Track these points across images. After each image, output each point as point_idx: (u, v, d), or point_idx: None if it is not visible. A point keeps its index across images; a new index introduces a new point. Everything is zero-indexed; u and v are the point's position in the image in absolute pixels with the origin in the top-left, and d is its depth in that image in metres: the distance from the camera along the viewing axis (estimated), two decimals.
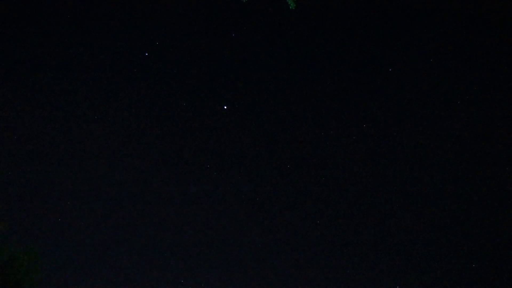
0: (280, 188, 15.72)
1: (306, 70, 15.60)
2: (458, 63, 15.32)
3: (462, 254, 15.41)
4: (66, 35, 14.58)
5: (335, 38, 15.43)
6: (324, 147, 15.63)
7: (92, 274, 14.56)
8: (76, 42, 14.66)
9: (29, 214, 14.19)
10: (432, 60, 15.28)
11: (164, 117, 15.35)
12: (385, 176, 15.67)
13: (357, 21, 15.27)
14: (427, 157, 15.61)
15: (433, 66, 15.37)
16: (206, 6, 14.94)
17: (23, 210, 14.12)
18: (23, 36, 14.32)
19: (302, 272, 15.49)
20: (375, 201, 15.68)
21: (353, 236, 15.72)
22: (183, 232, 15.38)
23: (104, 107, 14.97)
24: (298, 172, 15.69)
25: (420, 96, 15.55)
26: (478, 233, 15.41)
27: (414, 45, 15.36)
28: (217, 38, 15.23)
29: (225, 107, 15.06)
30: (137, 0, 14.80)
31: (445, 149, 15.53)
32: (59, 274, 13.88)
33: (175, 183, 15.42)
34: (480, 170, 15.39)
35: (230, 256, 15.45)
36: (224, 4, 14.85)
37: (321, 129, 15.58)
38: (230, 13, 15.02)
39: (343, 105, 15.68)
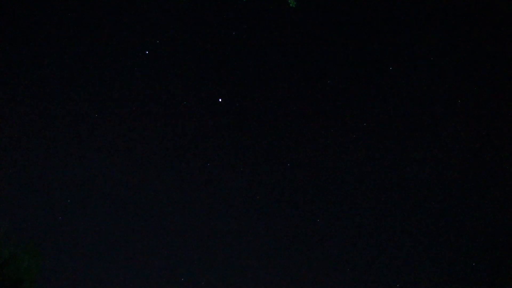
0: (280, 186, 15.71)
1: (306, 67, 15.59)
2: (459, 61, 15.31)
3: (463, 253, 15.40)
4: (66, 34, 14.58)
5: (335, 36, 15.42)
6: (324, 145, 15.62)
7: (92, 272, 14.56)
8: (76, 41, 14.67)
9: (29, 212, 14.20)
10: (432, 58, 15.28)
11: (164, 115, 15.35)
12: (387, 174, 15.66)
13: (357, 19, 15.25)
14: (428, 156, 15.60)
15: (434, 64, 15.36)
16: (206, 3, 14.93)
17: (23, 208, 14.13)
18: (24, 34, 14.32)
19: (302, 270, 15.48)
20: (377, 199, 15.68)
21: (354, 235, 15.71)
22: (183, 230, 15.38)
23: (104, 106, 14.97)
24: (298, 170, 15.68)
25: (420, 94, 15.55)
26: (479, 232, 15.39)
27: (415, 43, 15.35)
28: (217, 36, 15.22)
29: (220, 100, 15.04)
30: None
31: (445, 147, 15.52)
32: (60, 272, 13.88)
33: (175, 181, 15.42)
34: (482, 168, 15.38)
35: (230, 254, 15.44)
36: (224, 1, 14.85)
37: (321, 127, 15.58)
38: (230, 11, 15.01)
39: (343, 102, 15.67)
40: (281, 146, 15.69)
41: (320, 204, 15.71)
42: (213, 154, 15.50)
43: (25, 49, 14.38)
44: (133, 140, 15.18)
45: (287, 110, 15.65)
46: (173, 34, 15.11)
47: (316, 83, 15.55)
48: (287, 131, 15.67)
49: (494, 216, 15.28)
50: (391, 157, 15.60)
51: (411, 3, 14.97)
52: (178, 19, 15.06)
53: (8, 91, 14.33)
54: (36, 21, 14.36)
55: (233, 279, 15.19)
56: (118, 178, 14.97)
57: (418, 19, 15.13)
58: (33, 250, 9.88)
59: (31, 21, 14.32)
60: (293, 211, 15.74)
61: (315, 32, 15.37)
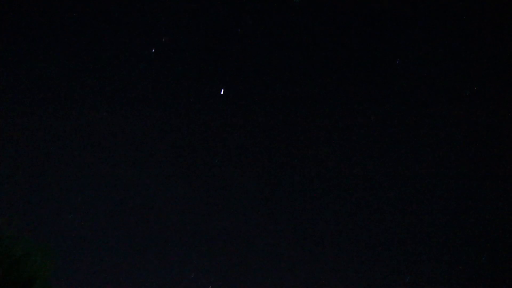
0: (286, 183, 15.74)
1: (311, 62, 15.59)
2: (465, 56, 15.26)
3: (466, 251, 15.40)
4: (72, 33, 14.65)
5: (341, 31, 15.41)
6: (330, 141, 15.63)
7: (102, 270, 14.68)
8: (82, 40, 14.74)
9: (41, 211, 14.33)
10: (438, 53, 15.23)
11: (169, 113, 15.41)
12: (392, 170, 15.65)
13: (363, 14, 15.23)
14: (433, 151, 15.58)
15: (440, 59, 15.32)
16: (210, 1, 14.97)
17: (36, 207, 14.27)
18: (28, 32, 14.41)
19: (305, 268, 15.53)
20: (382, 197, 15.69)
21: (358, 232, 15.74)
22: (192, 228, 15.47)
23: (110, 105, 15.05)
24: (303, 167, 15.71)
25: (427, 89, 15.52)
26: (482, 231, 15.39)
27: (421, 37, 15.31)
28: (221, 33, 15.25)
29: (221, 92, 15.06)
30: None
31: (449, 144, 15.50)
32: (72, 270, 14.01)
33: (184, 179, 15.50)
34: (484, 167, 15.35)
35: (235, 252, 15.52)
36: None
37: (326, 122, 15.59)
38: (234, 5, 15.02)
39: (349, 97, 15.67)
40: (287, 143, 15.72)
41: (325, 202, 15.75)
42: (219, 151, 15.56)
43: (28, 48, 14.49)
44: (138, 138, 15.26)
45: (293, 106, 15.68)
46: (178, 32, 15.16)
47: (320, 77, 15.56)
48: (292, 127, 15.70)
49: (495, 216, 15.26)
50: (397, 151, 15.59)
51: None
52: (182, 17, 15.11)
53: (16, 91, 14.45)
54: (38, 21, 14.46)
55: (241, 276, 15.27)
56: (127, 177, 15.08)
57: (424, 13, 15.10)
58: (46, 249, 9.98)
59: (35, 18, 14.42)
60: (298, 209, 15.79)
61: (320, 26, 15.36)
